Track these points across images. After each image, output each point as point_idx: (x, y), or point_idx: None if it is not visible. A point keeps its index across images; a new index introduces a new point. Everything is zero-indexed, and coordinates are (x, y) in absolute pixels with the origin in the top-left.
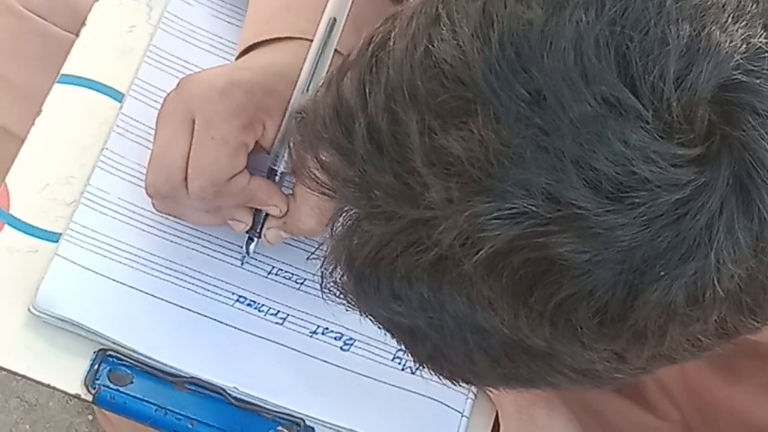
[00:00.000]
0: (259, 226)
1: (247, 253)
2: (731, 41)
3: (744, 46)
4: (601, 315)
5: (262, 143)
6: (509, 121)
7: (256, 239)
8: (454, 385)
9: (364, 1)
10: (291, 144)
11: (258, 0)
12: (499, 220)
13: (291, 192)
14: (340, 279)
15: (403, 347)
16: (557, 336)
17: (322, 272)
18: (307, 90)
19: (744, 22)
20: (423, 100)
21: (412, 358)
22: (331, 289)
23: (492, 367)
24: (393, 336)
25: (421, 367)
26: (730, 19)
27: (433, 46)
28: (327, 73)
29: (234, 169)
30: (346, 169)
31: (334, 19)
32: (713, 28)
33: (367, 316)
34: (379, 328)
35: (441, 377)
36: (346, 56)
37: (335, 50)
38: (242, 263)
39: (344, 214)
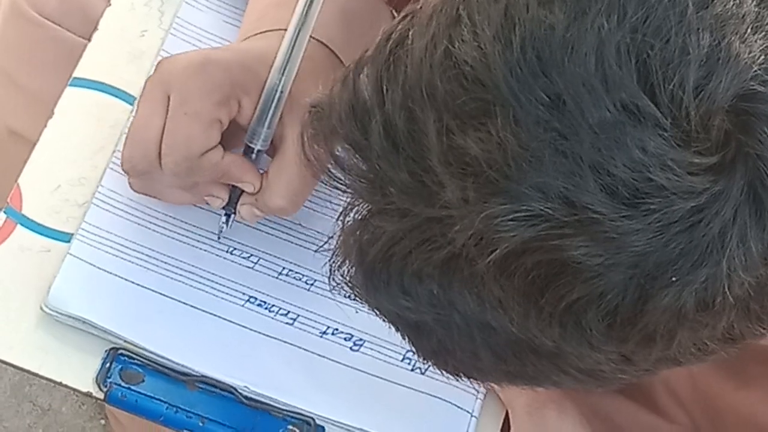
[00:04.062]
0: (235, 202)
1: (223, 228)
2: (750, 52)
3: (762, 56)
4: (611, 318)
5: (239, 120)
6: (528, 124)
7: (232, 215)
8: (457, 380)
9: None
10: (304, 137)
11: (254, 0)
12: (515, 221)
13: (266, 170)
14: (348, 272)
15: (407, 341)
16: (566, 337)
17: (330, 265)
18: (284, 70)
19: (763, 33)
20: (441, 100)
21: (415, 353)
22: (339, 282)
23: (497, 365)
24: (398, 330)
25: (424, 362)
26: (749, 30)
27: (453, 46)
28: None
29: (207, 144)
30: (360, 164)
31: (311, 1)
32: (733, 38)
33: (373, 310)
34: (383, 321)
35: (444, 372)
36: (363, 52)
37: (322, 43)
38: (218, 238)
39: (356, 209)
